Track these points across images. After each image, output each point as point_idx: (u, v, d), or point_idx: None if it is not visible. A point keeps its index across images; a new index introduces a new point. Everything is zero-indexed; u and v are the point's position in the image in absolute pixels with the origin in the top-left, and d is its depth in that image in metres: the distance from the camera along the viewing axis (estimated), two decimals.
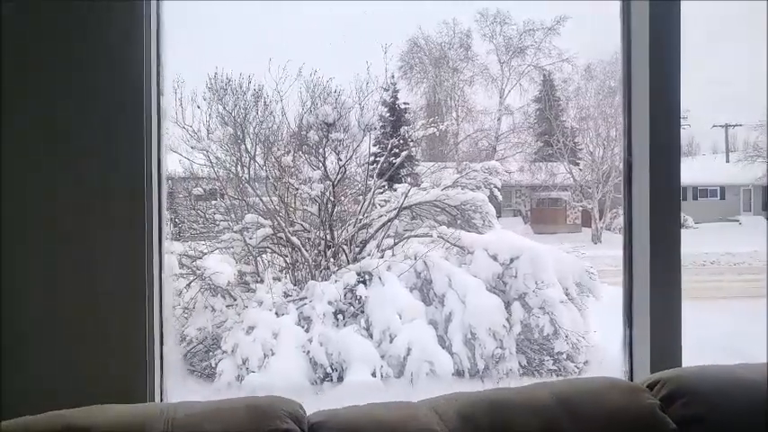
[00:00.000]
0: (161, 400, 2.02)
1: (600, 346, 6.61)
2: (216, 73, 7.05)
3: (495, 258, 6.79)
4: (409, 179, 8.61)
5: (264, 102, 7.15)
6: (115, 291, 1.83)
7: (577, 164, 13.21)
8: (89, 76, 1.79)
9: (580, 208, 13.38)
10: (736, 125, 15.21)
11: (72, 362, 1.87)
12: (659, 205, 2.32)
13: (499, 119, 14.06)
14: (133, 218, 1.84)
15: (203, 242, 7.25)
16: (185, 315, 6.57)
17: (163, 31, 1.93)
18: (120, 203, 1.82)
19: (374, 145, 9.22)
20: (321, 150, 7.32)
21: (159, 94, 1.92)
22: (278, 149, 7.45)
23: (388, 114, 11.18)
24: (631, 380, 2.34)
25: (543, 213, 13.88)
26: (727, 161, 15.13)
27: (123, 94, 1.79)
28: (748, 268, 12.02)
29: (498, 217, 11.86)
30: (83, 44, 1.78)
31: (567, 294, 6.73)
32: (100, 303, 1.84)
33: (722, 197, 14.86)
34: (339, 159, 7.35)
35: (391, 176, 8.28)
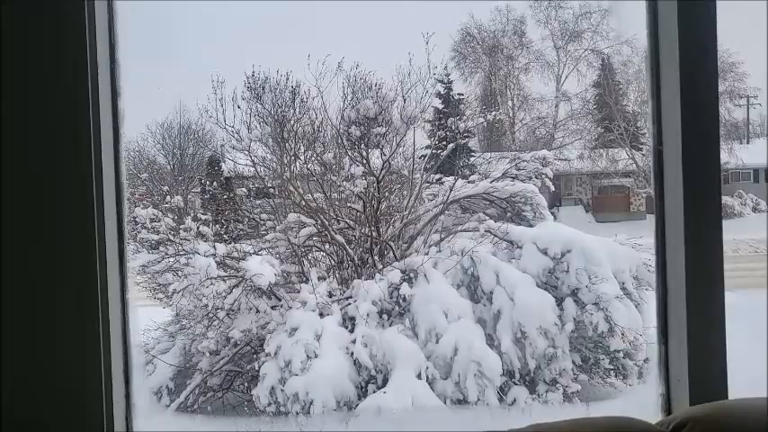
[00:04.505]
0: None
1: None
2: (254, 72, 6.97)
3: (545, 252, 6.49)
4: (465, 171, 8.38)
5: (303, 99, 7.04)
6: (66, 313, 1.70)
7: (640, 149, 12.68)
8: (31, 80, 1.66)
9: (644, 194, 12.88)
10: None
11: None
12: (695, 201, 2.04)
13: (557, 106, 13.68)
14: (84, 234, 1.70)
15: (249, 243, 7.22)
16: (230, 317, 6.52)
17: (116, 27, 1.77)
18: (66, 217, 1.69)
19: (428, 138, 9.04)
20: (364, 146, 7.16)
21: (115, 95, 1.77)
22: (320, 146, 7.34)
23: (442, 106, 10.98)
24: (668, 405, 2.06)
25: (605, 201, 13.41)
26: None
27: (64, 96, 1.65)
28: None
29: (558, 206, 11.54)
30: (24, 39, 1.65)
31: (623, 289, 6.37)
32: (57, 330, 1.72)
33: None
34: (383, 154, 7.18)
35: (444, 169, 8.07)
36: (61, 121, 1.70)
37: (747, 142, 12.86)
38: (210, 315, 6.33)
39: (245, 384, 6.57)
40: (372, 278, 6.69)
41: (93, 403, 1.74)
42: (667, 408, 2.07)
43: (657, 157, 2.13)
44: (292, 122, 7.08)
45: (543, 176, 7.78)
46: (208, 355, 6.45)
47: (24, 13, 1.68)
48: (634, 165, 12.43)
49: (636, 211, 12.94)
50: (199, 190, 9.56)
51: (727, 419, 1.52)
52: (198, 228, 6.76)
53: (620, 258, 6.53)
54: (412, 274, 6.56)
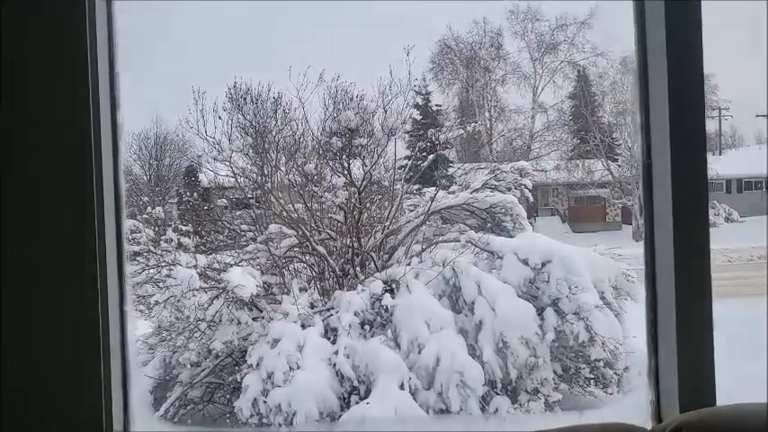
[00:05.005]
0: None
1: (640, 351, 6.29)
2: (235, 83, 6.97)
3: (525, 262, 6.54)
4: (443, 182, 8.43)
5: (284, 110, 7.05)
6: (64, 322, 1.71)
7: (616, 160, 12.87)
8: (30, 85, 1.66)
9: (620, 205, 13.06)
10: None
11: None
12: (684, 214, 2.08)
13: (533, 117, 13.83)
14: (81, 244, 1.70)
15: (229, 254, 7.19)
16: (211, 328, 6.48)
17: (116, 37, 1.78)
18: (66, 228, 1.69)
19: (406, 148, 9.08)
20: (345, 157, 7.18)
21: (115, 107, 1.78)
22: (301, 157, 7.35)
23: (420, 117, 11.04)
24: (659, 412, 2.10)
25: (582, 211, 13.58)
26: None
27: (66, 108, 1.66)
28: None
29: (536, 216, 11.65)
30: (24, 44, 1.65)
31: (602, 298, 6.45)
32: (57, 333, 1.72)
33: None
34: (364, 165, 7.20)
35: (422, 180, 8.12)
36: (65, 131, 1.71)
37: (720, 153, 13.13)
38: (192, 327, 6.29)
39: (227, 396, 6.53)
40: (354, 289, 6.69)
41: (93, 404, 1.75)
42: (657, 415, 2.11)
43: (647, 167, 2.18)
44: (274, 133, 7.08)
45: (522, 187, 7.86)
46: (189, 366, 6.40)
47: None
48: (610, 175, 12.61)
49: (612, 221, 13.12)
50: (176, 200, 9.51)
51: (720, 424, 1.57)
52: (179, 239, 6.72)
53: (599, 268, 6.61)
54: (394, 285, 6.58)
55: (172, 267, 6.23)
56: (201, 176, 8.58)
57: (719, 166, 11.20)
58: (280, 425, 5.67)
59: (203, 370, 6.57)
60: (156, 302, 6.14)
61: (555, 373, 6.28)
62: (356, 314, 6.33)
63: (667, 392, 2.06)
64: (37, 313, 1.75)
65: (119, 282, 1.82)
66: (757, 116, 14.57)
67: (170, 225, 7.21)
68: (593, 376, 6.41)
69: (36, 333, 1.74)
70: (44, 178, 1.73)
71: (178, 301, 6.17)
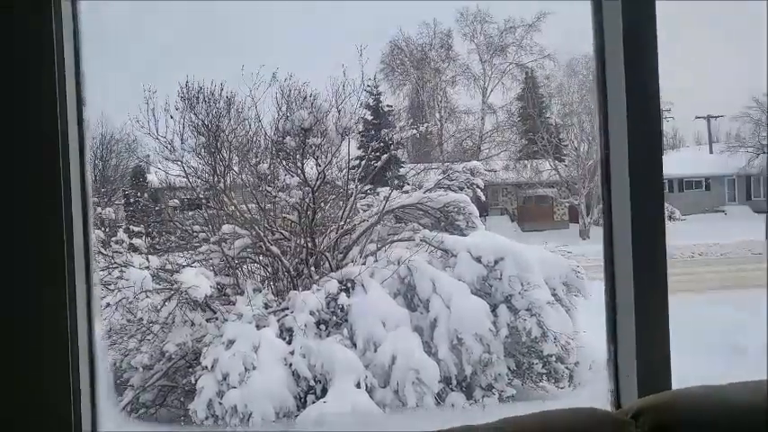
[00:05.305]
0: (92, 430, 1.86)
1: (590, 346, 6.47)
2: (187, 81, 6.87)
3: (479, 260, 6.64)
4: (395, 182, 8.49)
5: (238, 109, 6.99)
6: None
7: (563, 160, 13.16)
8: None
9: (567, 204, 13.36)
10: (719, 116, 15.29)
11: None
12: (641, 205, 2.16)
13: (483, 118, 14.04)
14: (49, 240, 1.67)
15: (181, 255, 7.09)
16: (164, 331, 6.38)
17: (81, 36, 1.76)
18: (33, 225, 1.67)
19: (358, 148, 9.10)
20: (299, 156, 7.16)
21: (81, 103, 1.76)
22: (254, 157, 7.29)
23: (371, 117, 11.08)
24: (618, 400, 2.18)
25: (530, 211, 13.84)
26: (711, 152, 15.18)
27: (35, 106, 1.63)
28: (735, 258, 12.02)
29: (486, 216, 11.80)
30: None
31: (554, 295, 6.60)
32: (28, 334, 1.69)
33: (707, 188, 14.88)
34: (318, 165, 7.19)
35: (375, 180, 8.15)
36: (35, 130, 1.69)
37: (662, 154, 13.53)
38: (144, 329, 6.18)
39: (180, 399, 6.43)
40: (309, 289, 6.68)
41: (61, 404, 1.72)
42: (617, 403, 2.18)
43: (605, 164, 2.25)
44: (227, 132, 7.01)
45: (474, 186, 7.97)
46: (141, 370, 6.28)
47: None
48: (557, 175, 12.89)
49: (559, 220, 13.41)
50: (123, 202, 9.32)
51: (678, 405, 1.65)
52: (131, 240, 6.60)
53: (550, 265, 6.76)
54: (349, 284, 6.59)
55: (124, 269, 6.11)
56: (152, 176, 8.43)
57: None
58: (236, 426, 5.63)
59: (156, 373, 6.46)
60: (108, 305, 6.01)
61: (509, 368, 6.39)
62: (312, 314, 6.32)
63: (626, 381, 2.15)
64: (3, 312, 1.72)
65: (86, 278, 1.79)
66: (696, 118, 15.13)
67: (120, 226, 7.06)
68: (545, 371, 6.54)
69: (2, 332, 1.71)
70: (12, 175, 1.70)
71: (130, 303, 6.06)
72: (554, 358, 6.49)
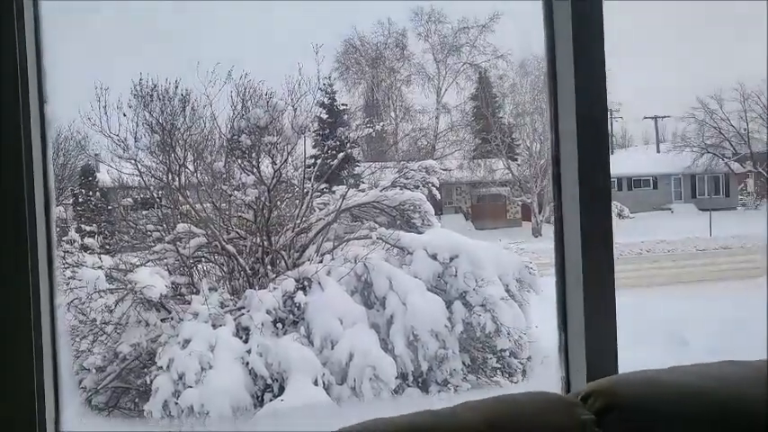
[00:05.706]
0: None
1: (542, 340, 6.63)
2: (141, 79, 6.78)
3: (434, 258, 6.74)
4: (351, 180, 8.52)
5: (193, 107, 6.93)
6: None
7: (515, 159, 13.38)
8: None
9: (520, 202, 13.59)
10: (665, 117, 15.77)
11: None
12: (590, 203, 2.26)
13: (437, 117, 14.18)
14: (13, 237, 1.67)
15: (135, 254, 6.99)
16: (117, 331, 6.30)
17: (42, 33, 1.76)
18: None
19: (313, 147, 9.10)
20: (254, 155, 7.14)
21: (42, 101, 1.76)
22: (209, 155, 7.24)
23: (326, 116, 11.08)
24: (568, 387, 2.28)
25: (484, 209, 14.04)
26: (658, 152, 15.66)
27: None
28: (681, 254, 12.43)
29: (440, 214, 11.93)
30: None
31: (507, 291, 6.73)
32: None
33: (655, 187, 15.35)
34: (274, 163, 7.18)
35: (330, 179, 8.17)
36: None
37: (612, 153, 13.88)
38: (97, 330, 6.09)
39: (135, 401, 6.35)
40: (265, 287, 6.67)
41: (25, 403, 1.72)
42: (567, 388, 2.28)
43: (555, 162, 2.34)
44: (182, 131, 6.94)
45: (430, 185, 8.06)
46: (93, 371, 6.19)
47: None
48: (510, 174, 13.10)
49: (512, 218, 13.63)
50: (71, 201, 9.14)
51: (625, 387, 1.76)
52: (82, 239, 6.48)
53: (503, 262, 6.90)
54: (306, 283, 6.61)
55: (76, 269, 6.01)
56: (103, 175, 8.29)
57: (611, 165, 11.85)
58: (192, 425, 5.60)
59: (109, 374, 6.38)
60: (59, 305, 5.90)
61: (464, 363, 6.50)
62: (268, 312, 6.31)
63: (576, 368, 2.25)
64: None
65: (48, 275, 1.79)
66: (645, 118, 15.57)
67: (71, 226, 6.93)
68: (499, 366, 6.67)
69: None
70: None
71: (83, 303, 5.96)
72: (507, 353, 6.63)
